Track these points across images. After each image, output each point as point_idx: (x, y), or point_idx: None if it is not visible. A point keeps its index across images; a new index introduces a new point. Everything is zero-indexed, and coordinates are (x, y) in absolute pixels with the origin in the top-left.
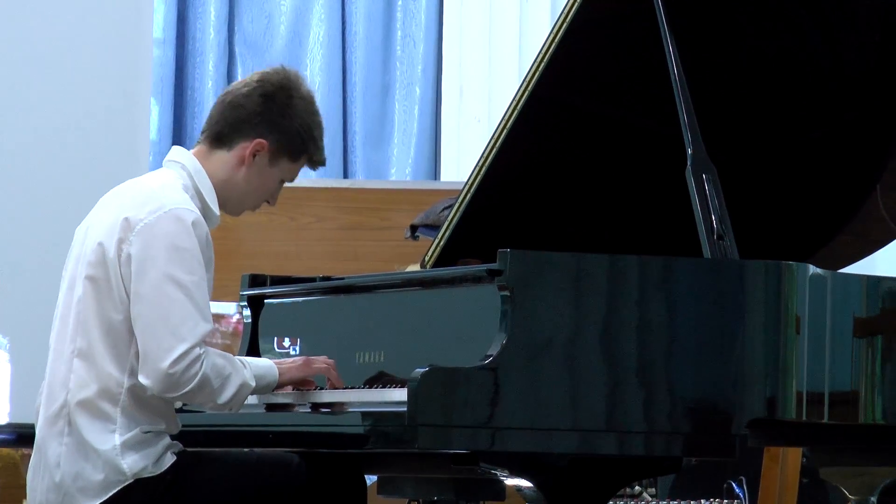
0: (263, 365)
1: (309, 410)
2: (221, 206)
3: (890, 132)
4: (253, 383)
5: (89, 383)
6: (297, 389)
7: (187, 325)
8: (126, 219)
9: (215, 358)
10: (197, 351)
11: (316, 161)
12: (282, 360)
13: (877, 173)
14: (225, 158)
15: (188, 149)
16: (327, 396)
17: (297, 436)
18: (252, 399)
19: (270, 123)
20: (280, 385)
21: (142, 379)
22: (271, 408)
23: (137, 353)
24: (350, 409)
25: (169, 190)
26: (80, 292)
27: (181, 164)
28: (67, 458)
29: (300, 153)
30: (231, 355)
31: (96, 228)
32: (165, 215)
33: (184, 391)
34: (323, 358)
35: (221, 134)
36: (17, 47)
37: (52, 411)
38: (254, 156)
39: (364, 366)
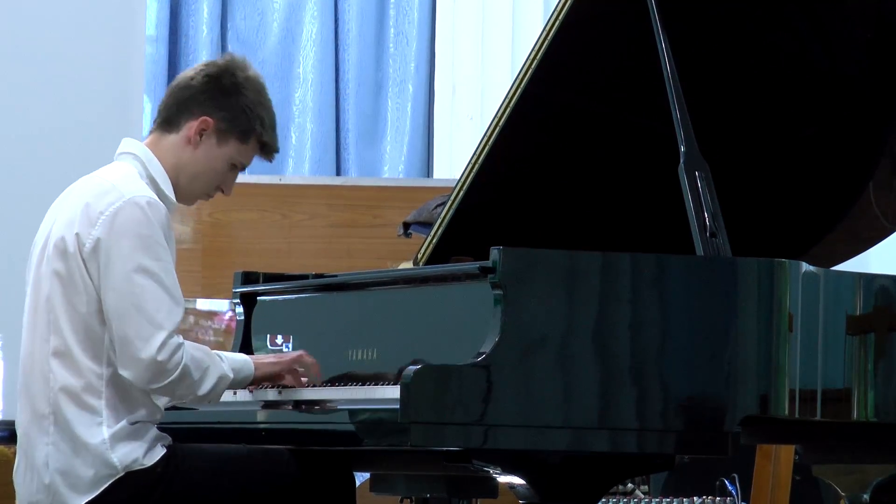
0: (239, 359)
1: (295, 408)
2: (175, 192)
3: (882, 130)
4: (231, 375)
5: (71, 380)
6: (280, 386)
7: (162, 312)
8: (86, 208)
9: (193, 350)
10: (177, 339)
11: (267, 145)
12: (257, 356)
13: (869, 171)
14: (174, 141)
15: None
16: (314, 394)
17: (290, 433)
18: (247, 396)
19: (214, 100)
20: (256, 379)
21: (122, 371)
22: (266, 405)
23: (112, 342)
24: (341, 407)
25: (126, 180)
26: (48, 290)
27: (133, 155)
28: (56, 457)
29: (248, 133)
30: (207, 348)
31: (58, 224)
32: (125, 205)
33: (167, 381)
34: (299, 353)
35: (169, 117)
36: (9, 45)
37: (34, 413)
38: (200, 134)
39: (357, 363)
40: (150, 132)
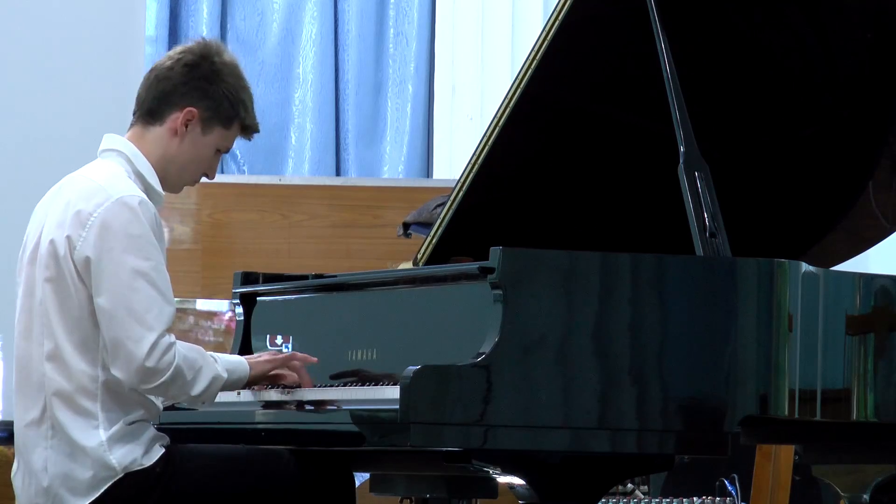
0: (234, 360)
1: (295, 408)
2: (161, 183)
3: (882, 130)
4: (225, 376)
5: (64, 383)
6: (281, 385)
7: (153, 313)
8: (75, 210)
9: (186, 351)
10: (168, 338)
11: (248, 127)
12: (253, 356)
13: (869, 171)
14: (159, 133)
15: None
16: (314, 394)
17: (290, 433)
18: (249, 396)
19: (197, 90)
20: (252, 380)
21: (115, 372)
22: (267, 405)
23: (105, 345)
24: (342, 408)
25: (112, 179)
26: (41, 295)
27: (117, 151)
28: (54, 461)
29: (231, 118)
30: (201, 349)
31: (48, 227)
32: (113, 205)
33: (159, 382)
34: (292, 354)
35: (152, 109)
36: (9, 45)
37: (31, 417)
38: (186, 125)
39: (357, 363)
40: (132, 125)
